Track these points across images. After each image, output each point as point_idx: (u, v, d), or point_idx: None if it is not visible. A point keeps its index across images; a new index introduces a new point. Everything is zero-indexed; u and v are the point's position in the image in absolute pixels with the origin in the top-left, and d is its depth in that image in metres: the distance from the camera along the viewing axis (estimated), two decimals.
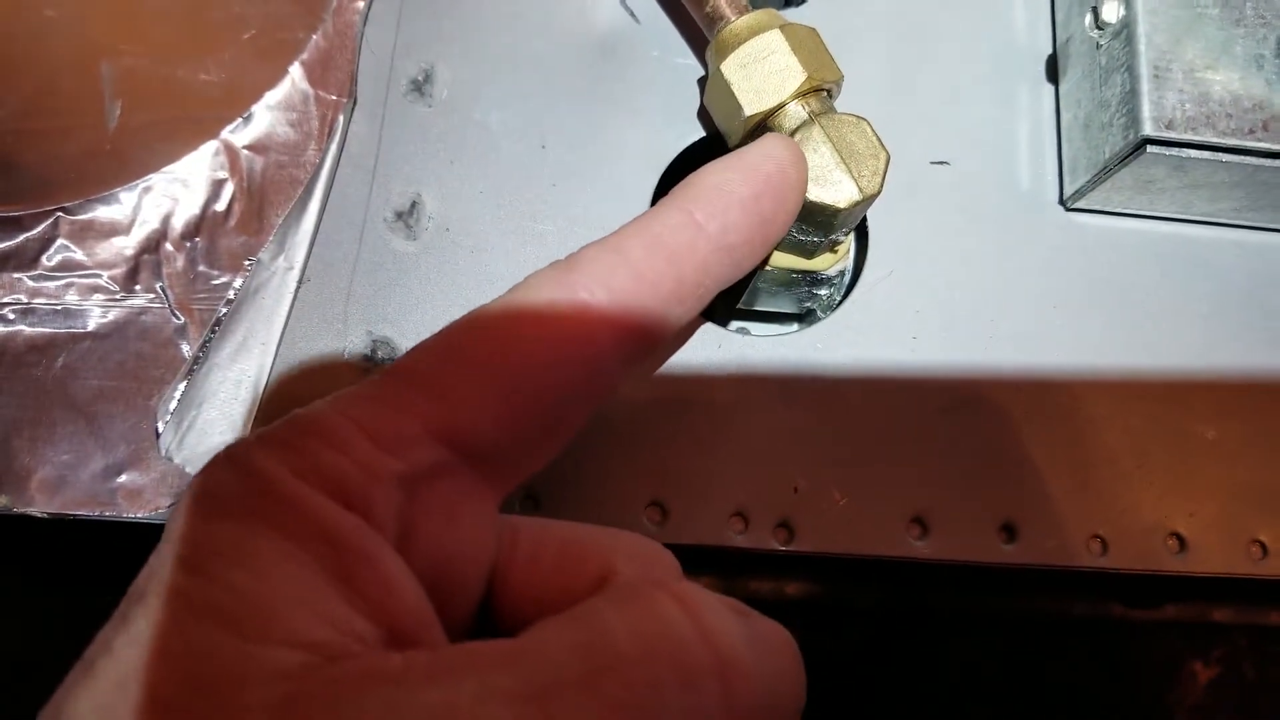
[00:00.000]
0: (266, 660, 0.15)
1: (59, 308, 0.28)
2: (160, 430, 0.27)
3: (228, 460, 0.18)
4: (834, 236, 0.29)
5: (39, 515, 0.27)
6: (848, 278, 0.33)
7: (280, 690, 0.14)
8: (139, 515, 0.27)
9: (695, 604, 0.17)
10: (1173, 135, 0.28)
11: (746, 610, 0.20)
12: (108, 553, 0.36)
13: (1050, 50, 0.34)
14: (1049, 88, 0.33)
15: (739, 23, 0.29)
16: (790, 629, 0.42)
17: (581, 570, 0.20)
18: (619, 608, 0.17)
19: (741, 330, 0.37)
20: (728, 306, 0.36)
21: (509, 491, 0.21)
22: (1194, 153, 0.28)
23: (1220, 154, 0.28)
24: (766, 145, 0.25)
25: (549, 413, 0.20)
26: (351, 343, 0.29)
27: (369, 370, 0.29)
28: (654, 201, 0.32)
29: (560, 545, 0.21)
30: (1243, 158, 0.29)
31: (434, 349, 0.20)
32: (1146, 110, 0.28)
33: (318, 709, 0.14)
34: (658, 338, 0.22)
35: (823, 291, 0.32)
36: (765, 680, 0.17)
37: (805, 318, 0.36)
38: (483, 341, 0.20)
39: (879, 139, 0.27)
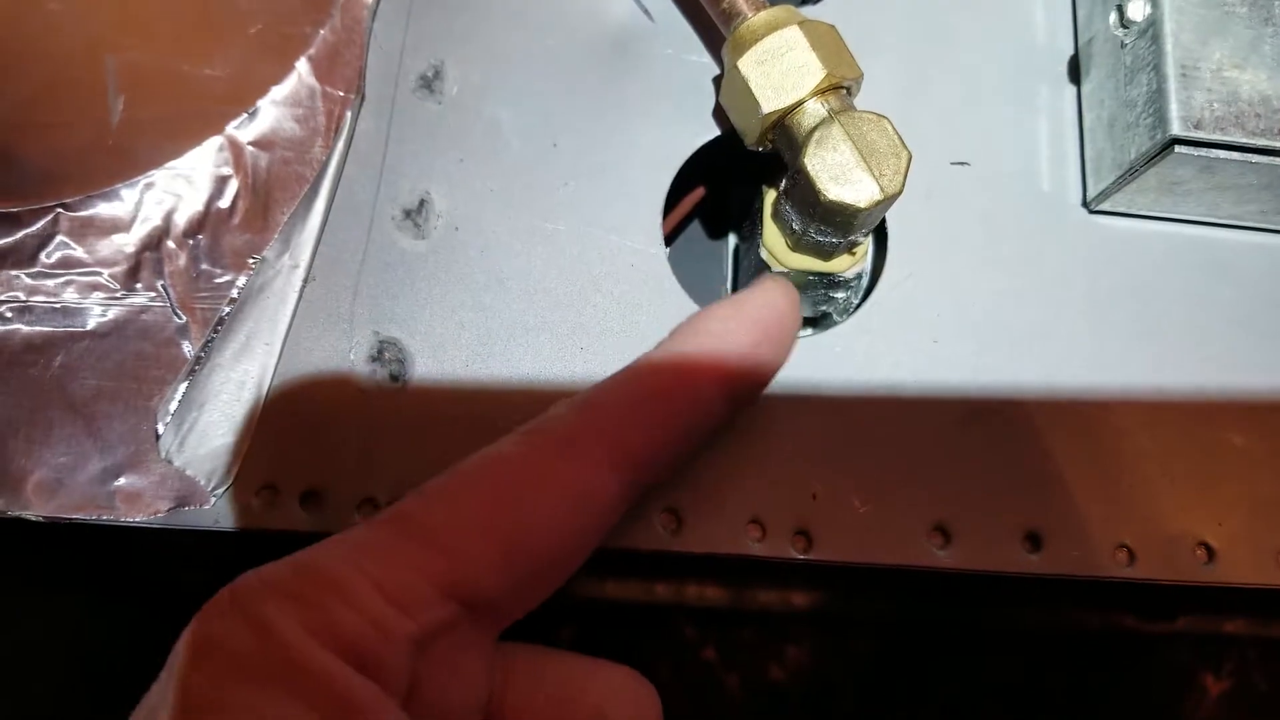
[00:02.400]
0: None
1: (57, 306, 0.27)
2: (160, 432, 0.26)
3: (236, 608, 0.18)
4: (853, 237, 0.29)
5: (35, 519, 0.26)
6: (865, 281, 0.32)
7: None
8: (137, 519, 0.26)
9: None
10: (1201, 135, 0.27)
11: None
12: (104, 557, 0.35)
13: (1071, 50, 0.33)
14: (1070, 88, 0.33)
15: (756, 19, 0.28)
16: (797, 641, 0.41)
17: (573, 711, 0.22)
18: None
19: None
20: None
21: (505, 627, 0.22)
22: (1222, 153, 0.28)
23: (1249, 155, 0.28)
24: (767, 294, 0.26)
25: (549, 566, 0.21)
26: (358, 343, 0.28)
27: (374, 372, 0.28)
28: (667, 202, 0.31)
29: (554, 684, 0.22)
30: (1272, 159, 0.28)
31: (441, 498, 0.21)
32: (1174, 110, 0.27)
33: None
34: (654, 482, 0.24)
35: (839, 295, 0.32)
36: None
37: (820, 321, 0.36)
38: (491, 498, 0.21)
39: (900, 138, 0.27)
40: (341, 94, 0.29)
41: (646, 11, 0.32)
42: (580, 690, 0.22)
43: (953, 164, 0.32)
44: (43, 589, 0.34)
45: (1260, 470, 0.29)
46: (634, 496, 0.23)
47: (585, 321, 0.29)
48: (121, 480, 0.26)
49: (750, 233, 0.32)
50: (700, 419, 0.24)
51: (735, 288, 0.35)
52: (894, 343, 0.30)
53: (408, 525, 0.20)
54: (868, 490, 0.28)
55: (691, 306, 0.30)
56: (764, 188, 0.31)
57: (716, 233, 0.42)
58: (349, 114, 0.29)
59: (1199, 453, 0.29)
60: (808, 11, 0.32)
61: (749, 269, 0.32)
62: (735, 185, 0.38)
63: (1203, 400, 0.30)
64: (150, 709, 0.17)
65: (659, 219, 0.31)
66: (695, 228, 0.42)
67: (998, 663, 0.40)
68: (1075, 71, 0.32)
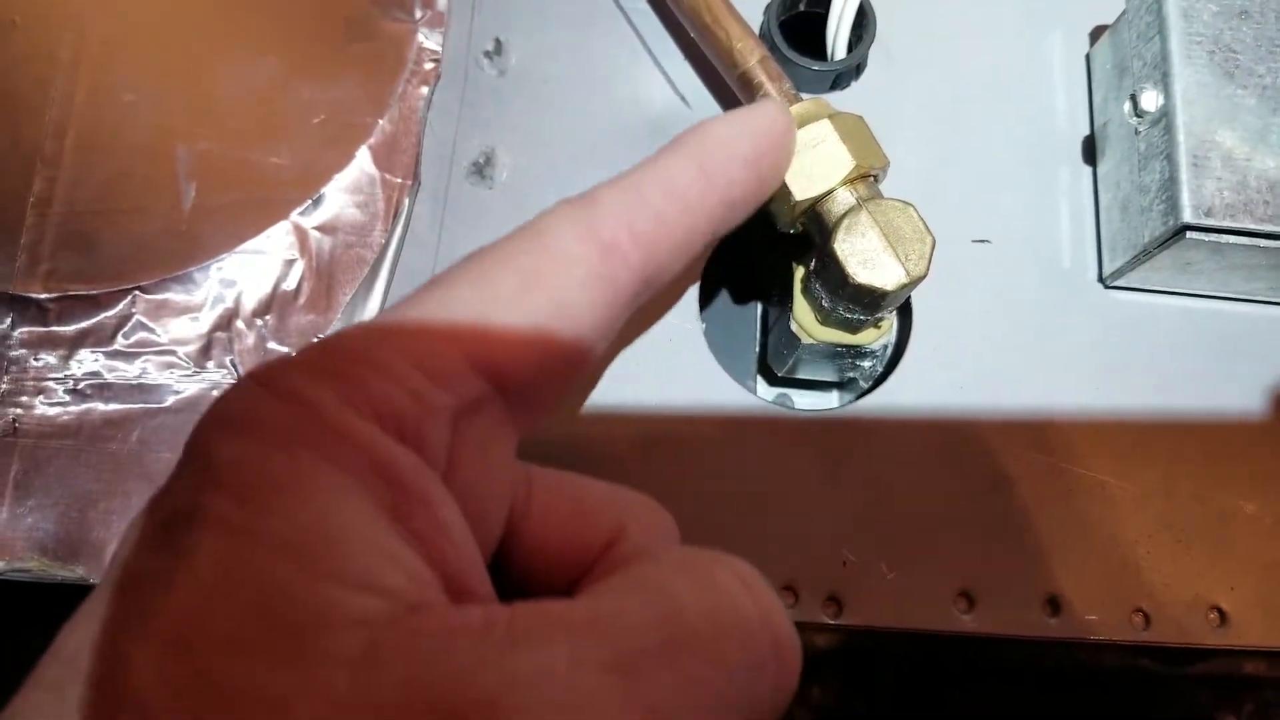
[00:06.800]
0: (346, 604, 0.13)
1: (135, 383, 0.29)
2: None
3: (260, 385, 0.16)
4: (879, 315, 0.30)
5: None
6: (890, 350, 0.33)
7: (362, 638, 0.13)
8: None
9: (754, 584, 0.17)
10: (1211, 222, 0.29)
11: None
12: None
13: (1087, 132, 0.35)
14: (1087, 168, 0.34)
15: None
16: (820, 677, 0.42)
17: (594, 526, 0.20)
18: (686, 580, 0.17)
19: (782, 397, 0.38)
20: (770, 374, 0.37)
21: (528, 429, 0.20)
22: (1232, 238, 0.29)
23: (1258, 239, 0.29)
24: (769, 110, 0.25)
25: (573, 351, 0.20)
26: None
27: None
28: (703, 281, 0.33)
29: (575, 499, 0.21)
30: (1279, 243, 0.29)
31: (466, 277, 0.19)
32: (1186, 198, 0.29)
33: (405, 663, 0.13)
34: (662, 283, 0.22)
35: (866, 363, 0.33)
36: (799, 665, 0.18)
37: (847, 385, 0.37)
38: (516, 276, 0.19)
39: (925, 223, 0.28)
40: (399, 181, 0.31)
41: (683, 98, 0.34)
42: (601, 504, 0.21)
43: (975, 241, 0.33)
44: None
45: (1271, 537, 0.31)
46: (641, 296, 0.22)
47: (626, 397, 0.31)
48: None
49: (781, 304, 0.34)
50: (722, 222, 0.23)
51: (764, 354, 0.37)
52: (919, 414, 0.31)
53: (435, 302, 0.18)
54: (896, 556, 0.29)
55: (724, 378, 0.32)
56: (794, 264, 0.32)
57: (743, 297, 0.44)
58: (406, 199, 0.31)
59: (1212, 519, 0.31)
60: (836, 96, 0.34)
61: (779, 337, 0.34)
62: (764, 254, 0.40)
63: (1214, 466, 0.31)
64: (166, 490, 0.15)
65: (695, 294, 0.32)
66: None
67: (1020, 701, 0.41)
68: (1090, 153, 0.34)
